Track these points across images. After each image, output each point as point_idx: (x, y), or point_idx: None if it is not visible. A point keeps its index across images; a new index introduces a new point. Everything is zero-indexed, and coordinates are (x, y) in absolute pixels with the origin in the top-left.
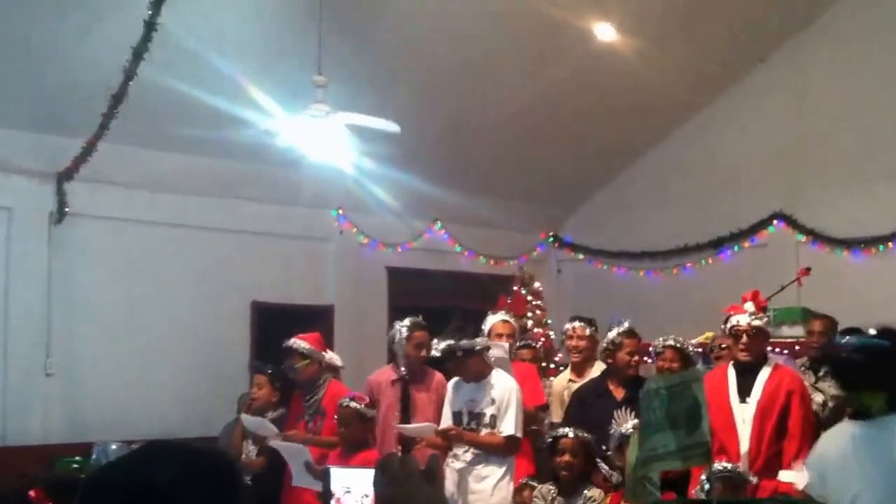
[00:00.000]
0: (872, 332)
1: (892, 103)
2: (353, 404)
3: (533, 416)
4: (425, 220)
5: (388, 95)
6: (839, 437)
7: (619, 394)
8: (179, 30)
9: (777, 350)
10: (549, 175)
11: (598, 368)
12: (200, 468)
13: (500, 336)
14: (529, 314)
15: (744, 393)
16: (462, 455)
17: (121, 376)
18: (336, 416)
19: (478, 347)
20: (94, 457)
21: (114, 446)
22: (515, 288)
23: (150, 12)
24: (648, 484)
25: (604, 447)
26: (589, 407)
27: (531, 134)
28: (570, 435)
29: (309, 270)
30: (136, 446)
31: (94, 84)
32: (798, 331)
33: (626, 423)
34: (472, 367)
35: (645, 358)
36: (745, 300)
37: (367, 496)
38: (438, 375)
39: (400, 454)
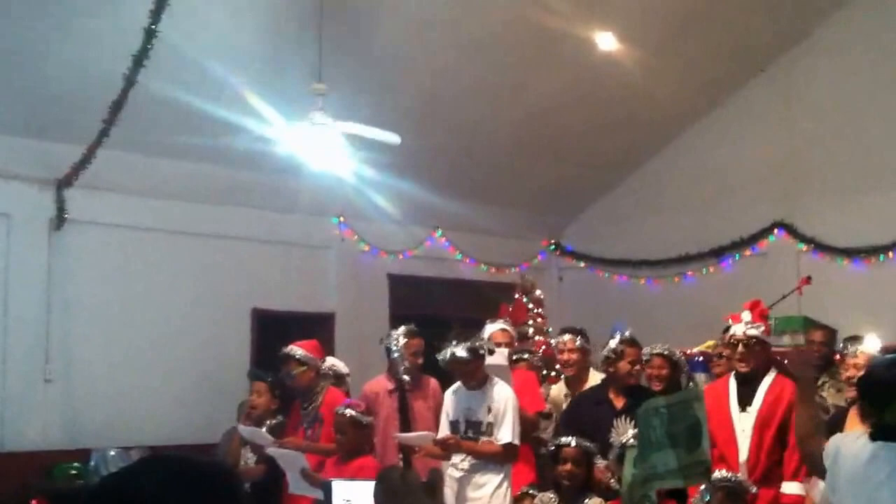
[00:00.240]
0: (874, 338)
1: (891, 113)
2: (348, 412)
3: (534, 423)
4: (426, 227)
5: (388, 103)
6: (856, 451)
7: (618, 402)
8: (179, 38)
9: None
10: (550, 183)
11: (593, 378)
12: (201, 481)
13: (498, 345)
14: (530, 322)
15: (744, 402)
16: (460, 463)
17: (120, 383)
18: (332, 424)
19: (482, 353)
20: (92, 463)
21: (112, 453)
22: (517, 296)
23: (149, 20)
24: (647, 501)
25: (599, 456)
26: (586, 414)
27: (533, 142)
28: (573, 444)
29: (309, 278)
30: (137, 456)
31: (94, 91)
32: (799, 340)
33: (626, 433)
34: (479, 372)
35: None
36: (745, 309)
37: None
38: (434, 382)
39: (400, 464)
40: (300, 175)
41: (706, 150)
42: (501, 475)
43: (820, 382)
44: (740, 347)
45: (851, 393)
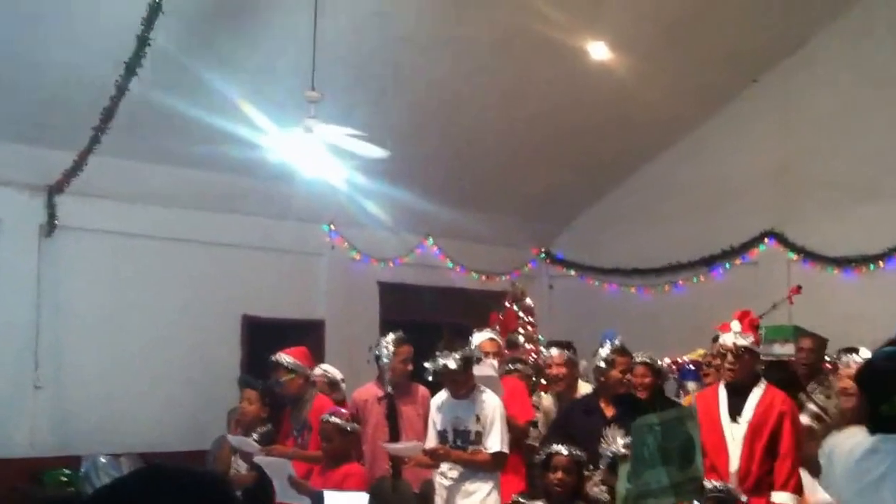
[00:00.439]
0: (867, 351)
1: (884, 124)
2: (333, 419)
3: (524, 432)
4: (417, 235)
5: (381, 111)
6: (852, 446)
7: (609, 411)
8: (172, 45)
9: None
10: (541, 191)
11: (583, 390)
12: (195, 491)
13: (486, 354)
14: (521, 330)
15: (735, 412)
16: (449, 472)
17: (110, 389)
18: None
19: (472, 362)
20: (82, 470)
21: (102, 459)
22: (507, 304)
23: (142, 27)
24: None
25: (592, 466)
26: (577, 423)
27: (524, 150)
28: (564, 452)
29: (300, 285)
30: (127, 463)
31: (86, 98)
32: (789, 349)
33: (616, 442)
34: (463, 384)
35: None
36: (734, 319)
37: None
38: (423, 389)
39: (391, 473)
40: (292, 182)
41: (697, 159)
42: (491, 484)
43: (810, 390)
44: (729, 357)
45: (848, 403)
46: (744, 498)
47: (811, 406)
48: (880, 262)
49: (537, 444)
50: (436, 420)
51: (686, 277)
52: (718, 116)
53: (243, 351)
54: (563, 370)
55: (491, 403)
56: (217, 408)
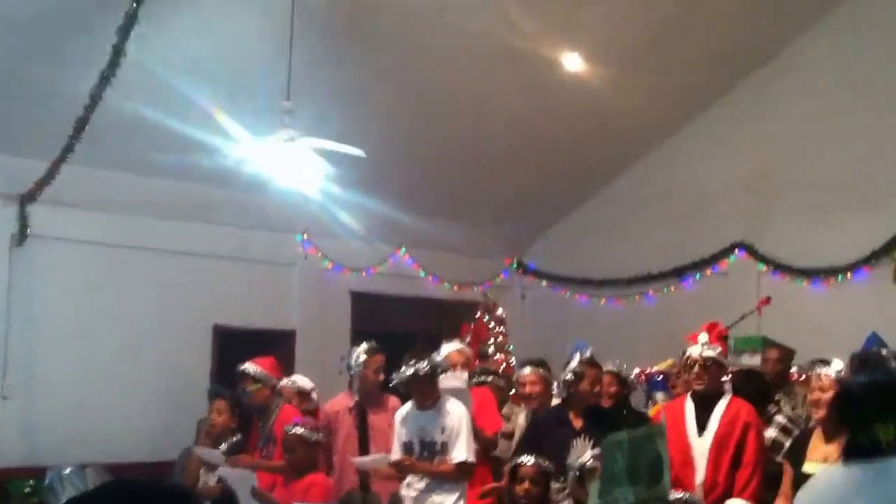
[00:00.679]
0: (839, 362)
1: (853, 137)
2: (296, 430)
3: (491, 443)
4: (390, 245)
5: (355, 121)
6: (837, 482)
7: (578, 423)
8: (147, 55)
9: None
10: (514, 202)
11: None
12: None
13: (454, 366)
14: (492, 340)
15: (701, 424)
16: (416, 483)
17: (79, 399)
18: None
19: (436, 372)
20: (47, 481)
21: (67, 470)
22: (479, 314)
23: (117, 37)
24: None
25: (562, 477)
26: (546, 434)
27: (498, 160)
28: (531, 462)
29: (272, 294)
30: (92, 474)
31: (60, 107)
32: (758, 360)
33: (585, 454)
34: (428, 394)
35: None
36: (702, 331)
37: None
38: (394, 400)
39: (360, 486)
40: (266, 192)
41: (668, 170)
42: (457, 494)
43: (776, 399)
44: (696, 368)
45: (818, 414)
46: None
47: (780, 418)
48: (848, 274)
49: (507, 456)
50: (401, 432)
51: (657, 288)
52: (689, 128)
53: (214, 361)
54: (536, 388)
55: (456, 413)
56: (186, 418)
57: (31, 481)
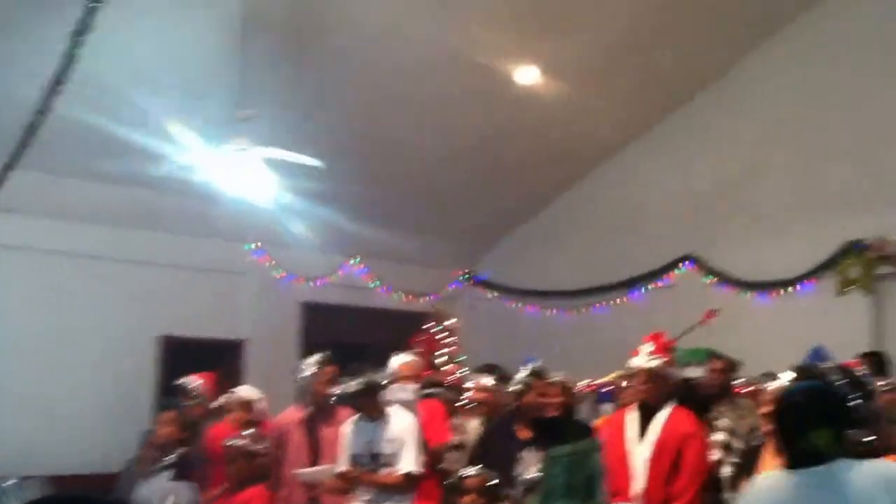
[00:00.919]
0: (790, 374)
1: (799, 154)
2: (237, 442)
3: (439, 454)
4: (343, 255)
5: (310, 131)
6: (779, 488)
7: (525, 435)
8: (98, 62)
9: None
10: (467, 213)
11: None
12: None
13: (405, 378)
14: (442, 351)
15: (643, 434)
16: (363, 496)
17: (21, 410)
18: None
19: (381, 385)
20: None
21: (8, 483)
22: (429, 325)
23: (68, 44)
24: None
25: (509, 490)
26: (494, 447)
27: (450, 172)
28: (476, 474)
29: (222, 304)
30: (34, 486)
31: (9, 114)
32: (699, 372)
33: (532, 466)
34: (374, 406)
35: None
36: (646, 342)
37: None
38: (346, 412)
39: (309, 501)
40: (217, 201)
41: (619, 184)
42: None
43: (721, 411)
44: (640, 379)
45: (767, 427)
46: None
47: (718, 436)
48: (794, 287)
49: (455, 468)
50: (348, 444)
51: (606, 300)
52: (640, 143)
53: (160, 371)
54: (481, 396)
55: (403, 425)
56: (131, 429)
57: None
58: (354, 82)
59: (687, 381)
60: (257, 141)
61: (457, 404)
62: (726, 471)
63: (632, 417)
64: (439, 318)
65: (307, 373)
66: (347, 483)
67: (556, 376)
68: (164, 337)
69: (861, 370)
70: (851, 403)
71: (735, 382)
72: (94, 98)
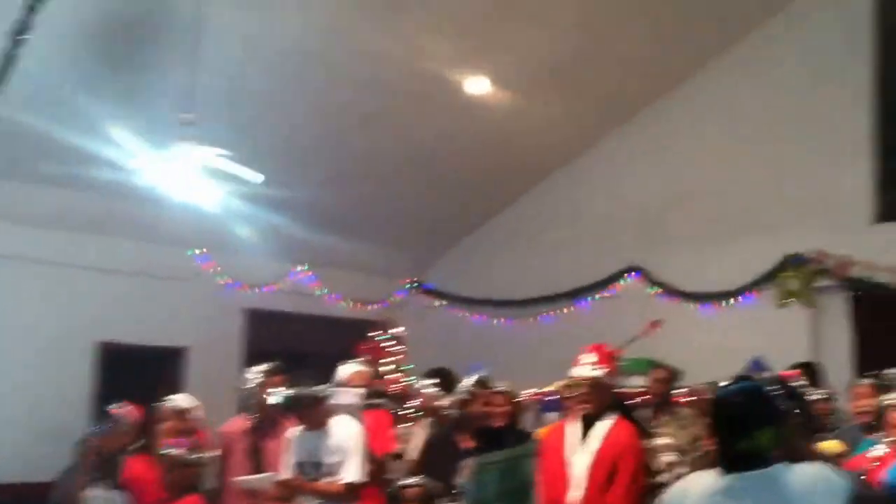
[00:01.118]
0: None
1: (743, 168)
2: (173, 451)
3: (383, 464)
4: (290, 261)
5: (259, 136)
6: (705, 488)
7: (468, 445)
8: (37, 65)
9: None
10: (415, 221)
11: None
12: None
13: (355, 388)
14: (388, 360)
15: (583, 443)
16: None
17: None
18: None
19: (321, 396)
20: None
21: None
22: (376, 333)
23: (8, 46)
24: None
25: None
26: (438, 456)
27: (400, 180)
28: (416, 484)
29: (164, 310)
30: None
31: None
32: (641, 381)
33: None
34: (314, 416)
35: None
36: (588, 352)
37: None
38: (292, 421)
39: None
40: (161, 205)
41: (567, 195)
42: None
43: (662, 422)
44: (581, 389)
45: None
46: None
47: (660, 441)
48: (735, 299)
49: (398, 477)
50: (291, 452)
51: (553, 309)
52: (588, 155)
53: (97, 378)
54: (428, 402)
55: (347, 434)
56: (66, 437)
57: None
58: (304, 87)
59: (625, 392)
60: (203, 145)
61: (401, 413)
62: (667, 478)
63: (573, 427)
64: (386, 327)
65: (252, 382)
66: (288, 491)
67: (502, 385)
68: (102, 343)
69: (798, 380)
70: (788, 413)
71: (677, 392)
72: (33, 100)
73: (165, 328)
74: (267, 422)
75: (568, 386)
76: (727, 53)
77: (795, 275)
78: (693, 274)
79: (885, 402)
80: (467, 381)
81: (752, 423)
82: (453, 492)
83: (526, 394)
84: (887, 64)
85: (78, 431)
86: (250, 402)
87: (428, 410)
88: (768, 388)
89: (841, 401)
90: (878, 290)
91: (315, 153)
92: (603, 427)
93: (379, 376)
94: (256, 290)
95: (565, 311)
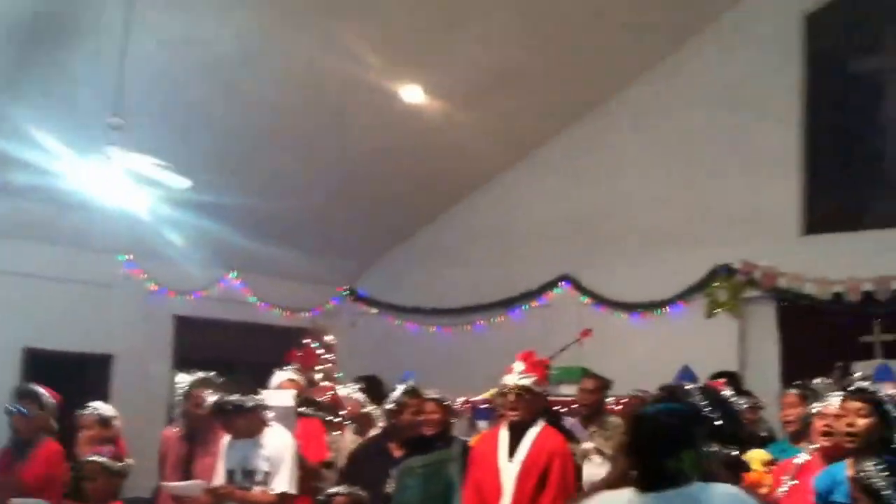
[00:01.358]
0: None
1: (674, 181)
2: (97, 458)
3: (315, 473)
4: (220, 268)
5: (190, 140)
6: None
7: (399, 453)
8: None
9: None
10: (349, 229)
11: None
12: None
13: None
14: (320, 368)
15: (513, 452)
16: None
17: None
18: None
19: (248, 405)
20: None
21: None
22: (307, 341)
23: None
24: None
25: None
26: (367, 465)
27: (334, 187)
28: (344, 493)
29: (91, 317)
30: None
31: None
32: (572, 390)
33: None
34: (242, 425)
35: None
36: (518, 360)
37: None
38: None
39: None
40: (89, 210)
41: (501, 204)
42: None
43: (590, 431)
44: (511, 397)
45: None
46: None
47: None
48: (665, 309)
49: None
50: (226, 458)
51: (485, 318)
52: (523, 165)
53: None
54: (358, 406)
55: (280, 443)
56: None
57: None
58: (234, 95)
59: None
60: (134, 150)
61: (332, 421)
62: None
63: (503, 434)
64: (318, 335)
65: (182, 390)
66: (217, 499)
67: (433, 393)
68: (27, 349)
69: (724, 390)
70: (715, 423)
71: (608, 401)
72: None
73: (93, 334)
74: (197, 429)
75: (499, 394)
76: (659, 67)
77: (724, 286)
78: (624, 284)
79: (812, 411)
80: (398, 391)
81: (679, 445)
82: (383, 500)
83: (458, 402)
84: (814, 79)
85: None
86: (180, 409)
87: (356, 418)
88: (695, 400)
89: (768, 410)
90: (805, 301)
91: (247, 160)
92: (531, 435)
93: (311, 384)
94: (186, 297)
95: (498, 319)
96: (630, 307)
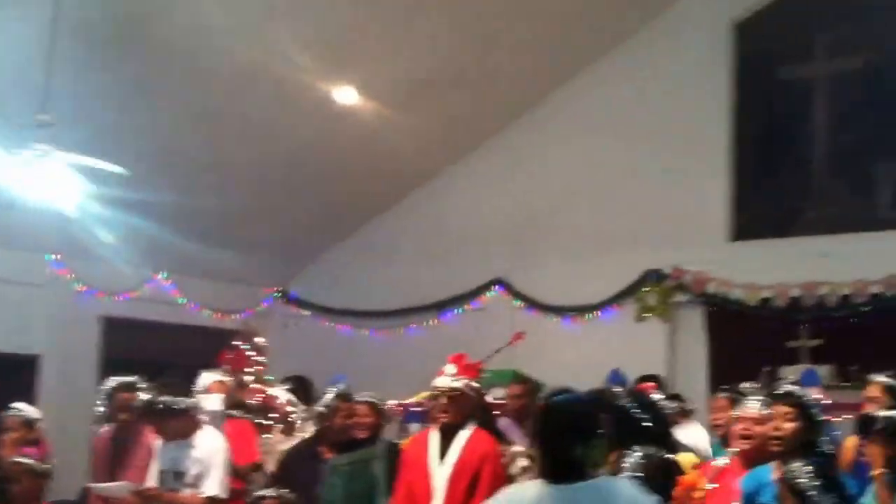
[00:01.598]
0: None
1: (607, 186)
2: (22, 460)
3: (244, 475)
4: (149, 269)
5: (119, 139)
6: (528, 498)
7: (330, 457)
8: None
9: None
10: (281, 230)
11: (311, 429)
12: None
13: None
14: (250, 370)
15: (444, 455)
16: None
17: None
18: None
19: (178, 407)
20: None
21: None
22: (238, 343)
23: None
24: None
25: None
26: (298, 469)
27: (266, 188)
28: (273, 495)
29: (16, 317)
30: None
31: None
32: (501, 393)
33: None
34: (173, 427)
35: None
36: (449, 362)
37: None
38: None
39: None
40: (13, 208)
41: (435, 207)
42: None
43: (522, 434)
44: (442, 399)
45: None
46: None
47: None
48: (596, 312)
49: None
50: (157, 460)
51: (418, 321)
52: (456, 168)
53: None
54: (284, 407)
55: (211, 446)
56: None
57: None
58: (169, 92)
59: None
60: (64, 146)
61: (263, 423)
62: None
63: (434, 437)
64: (248, 336)
65: (109, 391)
66: (145, 501)
67: (365, 396)
68: None
69: (653, 393)
70: (643, 424)
71: (538, 403)
72: None
73: (18, 335)
74: (125, 431)
75: (431, 397)
76: (589, 71)
77: (654, 290)
78: (556, 288)
79: (734, 415)
80: (329, 395)
81: (588, 433)
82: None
83: (390, 405)
84: (744, 85)
85: None
86: (107, 411)
87: (284, 419)
88: (623, 401)
89: (696, 413)
90: (733, 306)
91: (177, 158)
92: (462, 437)
93: (241, 386)
94: (114, 298)
95: (431, 322)
96: (562, 311)
